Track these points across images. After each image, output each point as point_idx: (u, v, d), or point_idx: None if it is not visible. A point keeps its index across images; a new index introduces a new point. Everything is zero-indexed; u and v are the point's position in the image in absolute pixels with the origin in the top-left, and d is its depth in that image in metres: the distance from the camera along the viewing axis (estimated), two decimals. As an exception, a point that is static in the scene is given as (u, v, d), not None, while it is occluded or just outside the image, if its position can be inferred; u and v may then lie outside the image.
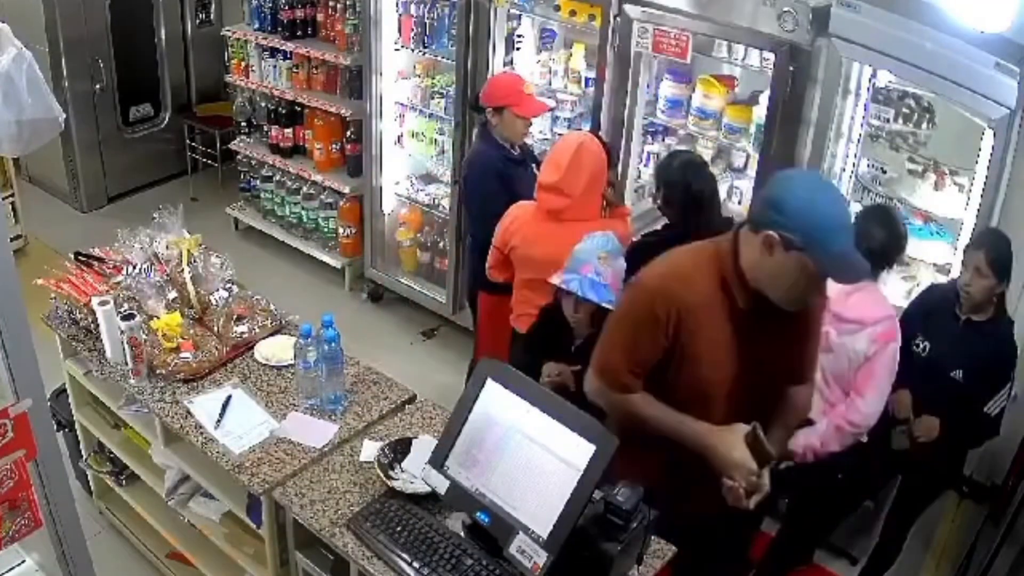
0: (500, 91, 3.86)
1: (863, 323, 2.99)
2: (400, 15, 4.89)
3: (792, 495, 3.49)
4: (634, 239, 3.54)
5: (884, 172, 3.63)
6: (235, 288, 3.43)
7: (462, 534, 2.54)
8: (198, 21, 6.74)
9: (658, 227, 3.60)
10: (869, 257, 3.00)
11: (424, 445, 2.75)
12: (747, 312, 2.31)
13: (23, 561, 2.60)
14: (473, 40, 4.48)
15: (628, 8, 3.85)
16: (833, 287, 3.02)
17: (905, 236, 3.09)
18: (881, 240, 2.99)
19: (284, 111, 5.73)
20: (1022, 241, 3.07)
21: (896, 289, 3.59)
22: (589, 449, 2.28)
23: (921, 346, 3.16)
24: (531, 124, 3.98)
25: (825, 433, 3.07)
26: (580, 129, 4.30)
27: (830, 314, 3.04)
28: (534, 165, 3.89)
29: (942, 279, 3.42)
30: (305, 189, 5.81)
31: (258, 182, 6.08)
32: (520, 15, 4.49)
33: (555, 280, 2.95)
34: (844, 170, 3.65)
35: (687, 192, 3.23)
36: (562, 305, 2.99)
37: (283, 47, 5.52)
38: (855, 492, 3.48)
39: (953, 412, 3.09)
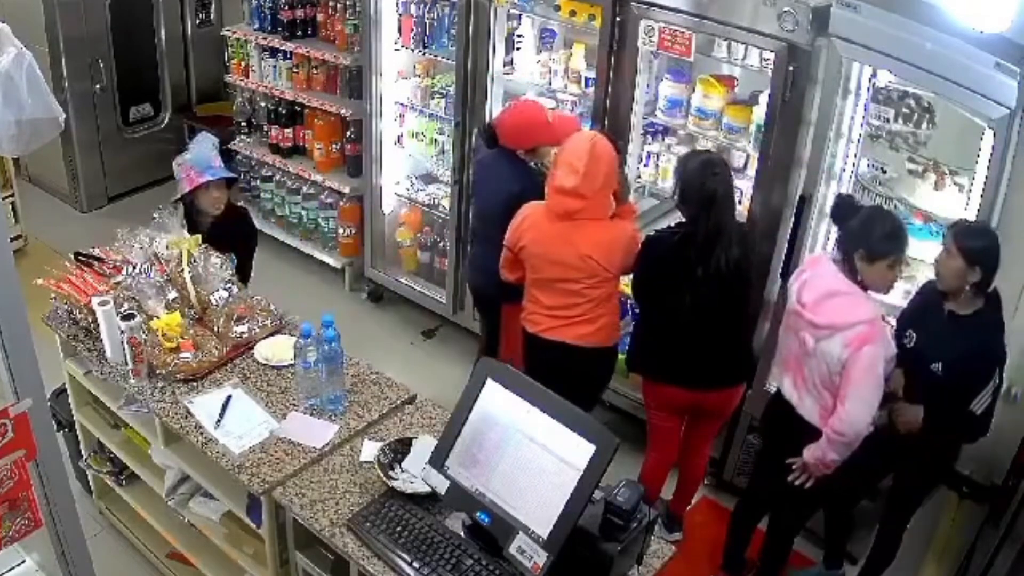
0: (532, 134, 3.78)
1: (835, 328, 3.00)
2: (400, 15, 4.88)
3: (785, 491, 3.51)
4: (648, 235, 3.54)
5: (884, 172, 3.63)
6: (235, 288, 3.43)
7: (462, 534, 2.54)
8: (198, 21, 6.74)
9: (670, 224, 3.60)
10: (849, 240, 3.04)
11: (424, 445, 2.75)
12: None
13: (23, 561, 2.60)
14: (473, 40, 4.48)
15: (634, 6, 3.85)
16: (812, 291, 3.04)
17: (907, 239, 3.09)
18: (883, 237, 3.00)
19: (284, 111, 5.73)
20: (1022, 241, 3.07)
21: (896, 289, 3.58)
22: (589, 449, 2.28)
23: (909, 338, 3.17)
24: None
25: (823, 445, 3.09)
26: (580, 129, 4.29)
27: (804, 321, 3.05)
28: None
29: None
30: (305, 189, 5.81)
31: (258, 182, 6.08)
32: (520, 15, 4.49)
33: (208, 177, 3.71)
34: (844, 170, 3.65)
35: (701, 191, 3.24)
36: (201, 199, 3.78)
37: (283, 47, 5.53)
38: (848, 488, 3.47)
39: (933, 405, 3.09)
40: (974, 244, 2.95)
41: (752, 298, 3.54)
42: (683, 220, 3.40)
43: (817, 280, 3.10)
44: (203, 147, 3.86)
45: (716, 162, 3.35)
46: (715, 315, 3.37)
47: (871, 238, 3.03)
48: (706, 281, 3.28)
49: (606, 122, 4.15)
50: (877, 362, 2.99)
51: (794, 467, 3.23)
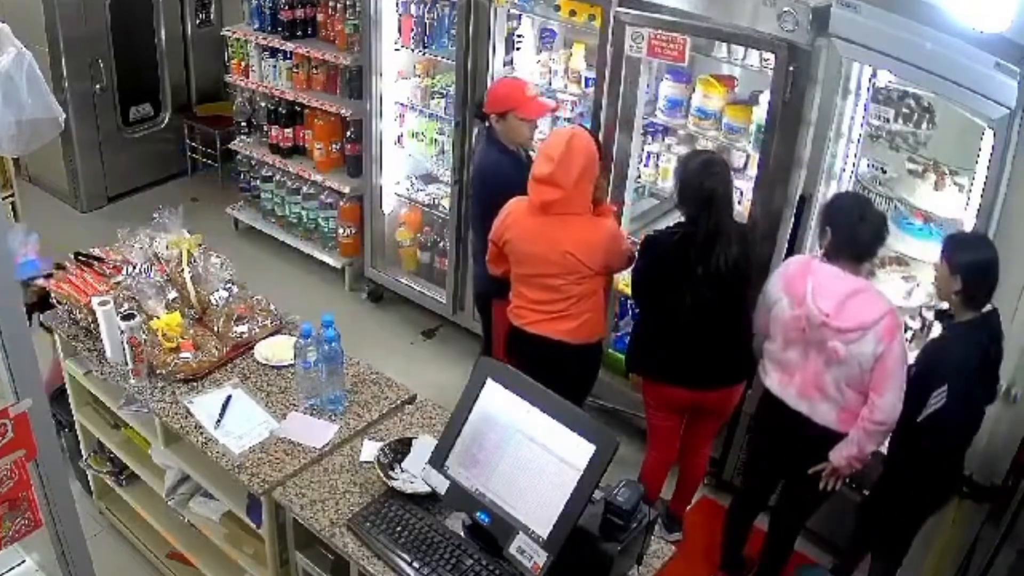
0: (502, 96, 3.86)
1: (865, 327, 2.99)
2: (400, 15, 4.88)
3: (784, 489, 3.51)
4: (648, 235, 3.54)
5: (884, 172, 3.63)
6: (235, 288, 3.43)
7: (462, 534, 2.54)
8: (198, 21, 6.74)
9: (669, 224, 3.60)
10: (850, 245, 3.04)
11: (424, 445, 2.75)
12: None
13: (23, 561, 2.60)
14: (473, 40, 4.48)
15: (620, 12, 3.83)
16: (827, 299, 3.04)
17: (886, 222, 3.12)
18: (859, 224, 3.04)
19: (284, 111, 5.73)
20: (1022, 240, 3.07)
21: (896, 289, 3.59)
22: (589, 449, 2.28)
23: None
24: (537, 127, 3.98)
25: (860, 439, 3.08)
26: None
27: (832, 331, 3.04)
28: None
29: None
30: (305, 189, 5.82)
31: (258, 182, 6.08)
32: (520, 15, 4.49)
33: None
34: (844, 170, 3.65)
35: (700, 191, 3.24)
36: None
37: (283, 47, 5.53)
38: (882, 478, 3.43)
39: (906, 407, 3.08)
40: (957, 253, 2.98)
41: (752, 297, 3.53)
42: (683, 220, 3.40)
43: (828, 286, 3.07)
44: None
45: (715, 162, 3.36)
46: (715, 314, 3.37)
47: (858, 243, 3.06)
48: (706, 280, 3.28)
49: (602, 121, 4.15)
50: (905, 347, 3.03)
51: (823, 474, 3.20)
